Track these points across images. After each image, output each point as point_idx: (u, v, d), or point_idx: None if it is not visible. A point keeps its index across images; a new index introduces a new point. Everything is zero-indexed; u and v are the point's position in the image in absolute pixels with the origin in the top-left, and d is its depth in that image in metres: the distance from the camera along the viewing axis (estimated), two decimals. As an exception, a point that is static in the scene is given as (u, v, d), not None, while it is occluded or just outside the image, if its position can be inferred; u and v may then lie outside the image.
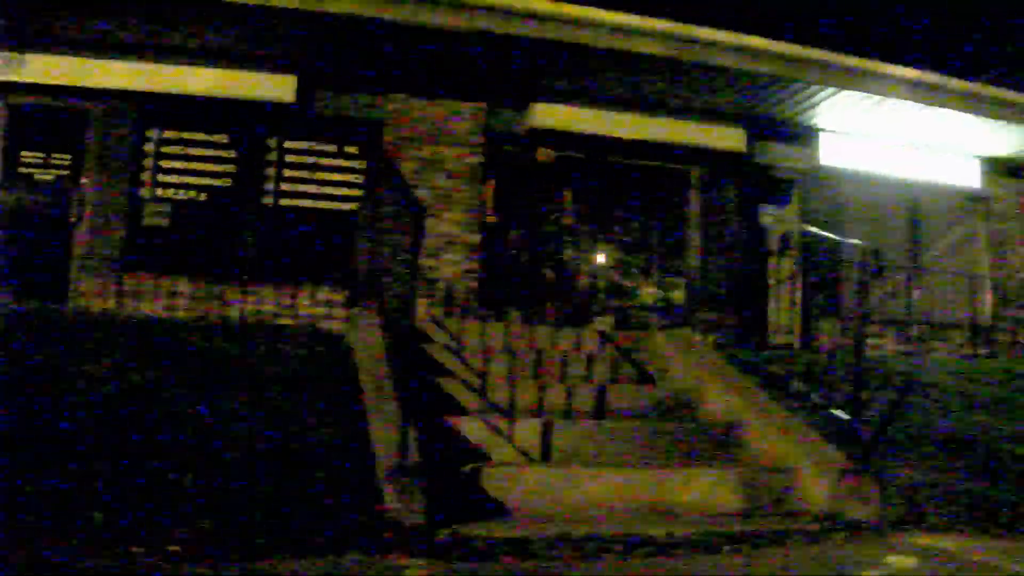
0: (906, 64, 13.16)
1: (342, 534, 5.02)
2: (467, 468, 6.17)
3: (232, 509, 5.10)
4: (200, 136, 11.71)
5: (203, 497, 5.21)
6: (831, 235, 7.02)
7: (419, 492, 5.39)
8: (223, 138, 11.77)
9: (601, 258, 13.06)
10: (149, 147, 11.58)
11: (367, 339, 8.02)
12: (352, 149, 12.04)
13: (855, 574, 4.99)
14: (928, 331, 14.83)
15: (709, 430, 7.40)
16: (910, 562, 5.28)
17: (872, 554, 5.45)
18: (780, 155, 14.09)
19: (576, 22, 11.13)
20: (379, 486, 5.57)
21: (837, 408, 6.93)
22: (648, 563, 5.09)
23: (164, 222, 11.49)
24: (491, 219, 12.43)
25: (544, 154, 9.41)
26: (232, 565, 4.53)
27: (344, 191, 11.90)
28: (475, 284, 11.96)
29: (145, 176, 11.53)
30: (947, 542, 5.82)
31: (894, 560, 5.31)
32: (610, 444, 7.02)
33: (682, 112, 13.14)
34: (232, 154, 11.77)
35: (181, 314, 10.88)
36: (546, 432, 6.86)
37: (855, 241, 7.32)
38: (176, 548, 4.61)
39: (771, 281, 14.02)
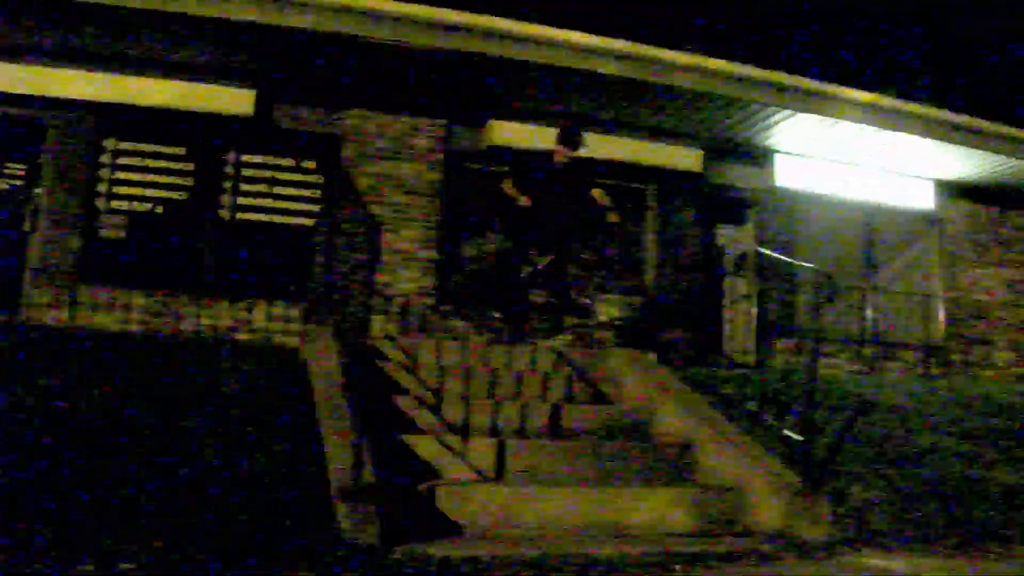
0: (863, 88, 13.32)
1: (295, 553, 4.99)
2: (422, 487, 6.16)
3: (184, 528, 5.07)
4: (158, 148, 11.66)
5: (155, 515, 5.17)
6: (785, 258, 7.08)
7: (372, 511, 5.38)
8: (181, 151, 11.72)
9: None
10: (106, 158, 11.51)
11: (322, 356, 8.00)
12: (310, 164, 12.02)
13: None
14: (882, 351, 14.97)
15: (663, 449, 7.43)
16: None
17: (822, 574, 5.49)
18: (737, 175, 14.22)
19: (536, 41, 11.19)
20: (332, 505, 5.55)
21: (790, 428, 6.99)
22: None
23: (120, 234, 11.43)
24: (449, 236, 12.44)
25: (562, 155, 9.83)
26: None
27: (302, 206, 11.88)
28: (432, 301, 11.97)
29: (101, 187, 11.46)
30: (897, 562, 5.87)
31: (843, 579, 5.36)
32: (564, 463, 7.03)
33: (640, 131, 13.23)
34: (190, 167, 11.72)
35: (135, 327, 10.83)
36: (500, 451, 6.86)
37: (809, 265, 7.40)
38: (128, 566, 4.58)
39: (727, 300, 14.12)
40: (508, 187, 10.27)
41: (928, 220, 15.88)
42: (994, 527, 6.98)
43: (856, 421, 7.74)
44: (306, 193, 11.93)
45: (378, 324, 11.37)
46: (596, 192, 10.39)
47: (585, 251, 13.10)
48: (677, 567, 5.50)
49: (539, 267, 10.60)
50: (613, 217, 10.28)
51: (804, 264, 6.28)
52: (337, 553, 5.09)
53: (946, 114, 13.89)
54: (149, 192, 11.56)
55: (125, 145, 11.59)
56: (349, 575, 4.85)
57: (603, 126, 12.95)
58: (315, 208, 11.83)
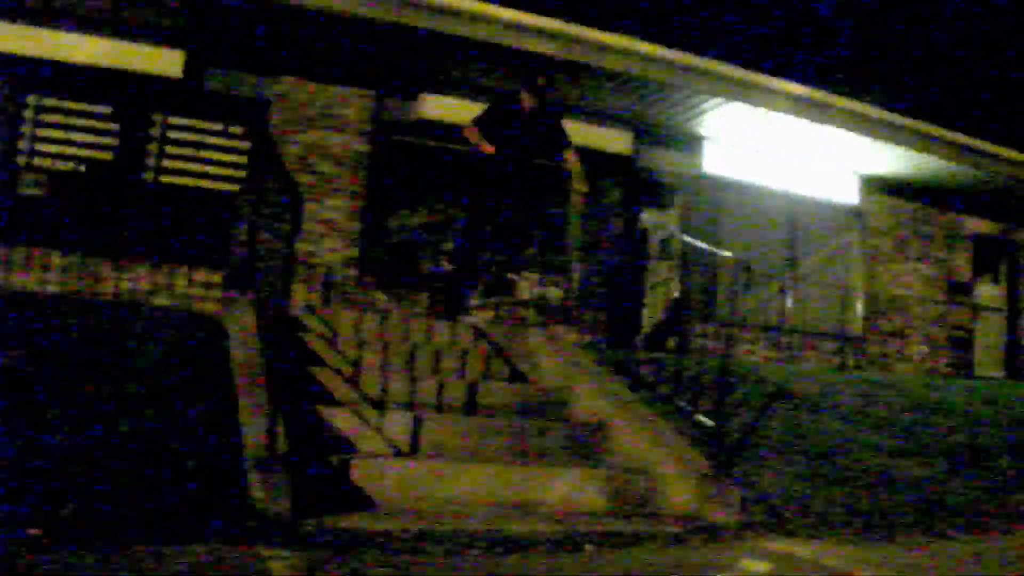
0: (794, 80, 13.46)
1: (207, 523, 4.96)
2: (335, 459, 6.15)
3: (95, 496, 5.02)
4: (82, 106, 11.47)
5: (65, 483, 5.11)
6: (706, 245, 7.18)
7: (285, 482, 5.36)
8: (106, 110, 11.54)
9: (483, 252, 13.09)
10: (27, 114, 11.30)
11: (241, 324, 7.95)
12: (237, 129, 11.92)
13: (710, 577, 5.11)
14: (800, 340, 15.20)
15: (578, 430, 7.48)
16: (764, 567, 5.41)
17: (729, 558, 5.57)
18: (665, 160, 14.32)
19: (469, 16, 11.16)
20: (246, 474, 5.53)
21: (704, 413, 7.07)
22: (511, 560, 5.13)
23: (40, 192, 11.23)
24: (375, 208, 12.38)
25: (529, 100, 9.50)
26: (93, 553, 4.46)
27: (228, 172, 11.77)
28: (355, 272, 11.93)
29: (22, 144, 11.25)
30: (803, 548, 5.96)
31: (749, 564, 5.44)
32: (480, 440, 7.06)
33: (571, 112, 13.24)
34: (115, 127, 11.56)
35: (53, 288, 10.67)
36: (416, 426, 6.87)
37: (727, 254, 7.48)
38: (36, 531, 4.53)
39: (649, 284, 14.24)
40: (470, 132, 9.51)
41: (851, 214, 16.13)
42: (898, 516, 7.13)
43: (768, 408, 7.86)
44: (232, 159, 11.83)
45: (300, 294, 11.30)
46: (568, 154, 9.68)
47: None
48: (587, 546, 5.55)
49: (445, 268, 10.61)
50: (581, 186, 9.59)
51: (723, 252, 6.36)
52: (248, 523, 5.07)
53: (875, 110, 14.11)
54: (72, 151, 11.38)
55: (48, 101, 11.39)
56: (260, 545, 4.84)
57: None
58: (241, 174, 11.73)
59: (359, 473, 6.10)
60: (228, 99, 11.85)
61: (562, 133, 9.74)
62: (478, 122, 9.54)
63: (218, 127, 11.84)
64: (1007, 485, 8.31)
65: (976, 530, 7.23)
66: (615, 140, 13.65)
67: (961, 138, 15.10)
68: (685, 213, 14.39)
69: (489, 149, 9.36)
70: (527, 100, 9.55)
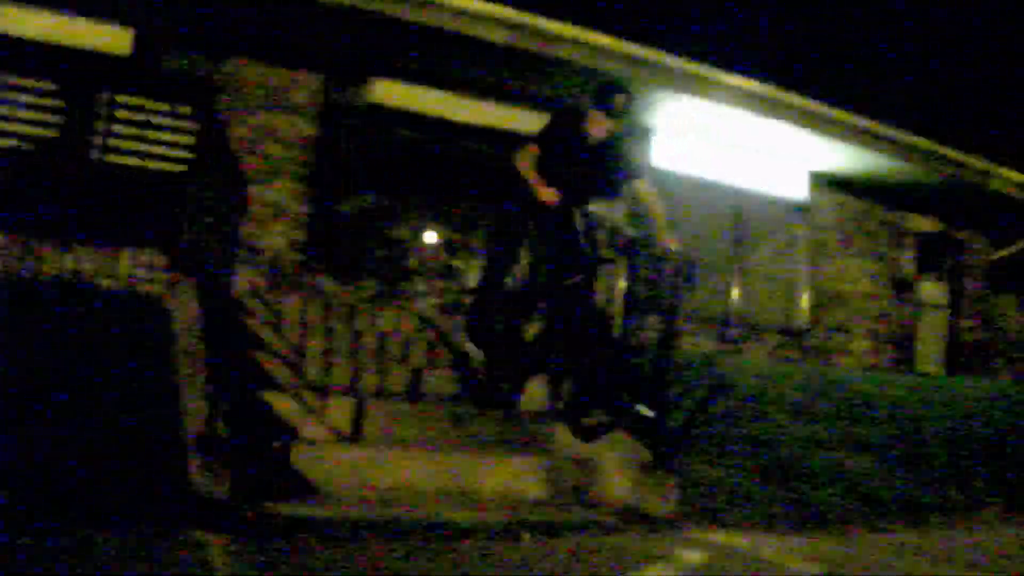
0: (747, 75, 13.53)
1: (145, 507, 4.94)
2: (277, 445, 6.14)
3: (32, 479, 4.99)
4: (27, 82, 11.30)
5: (2, 466, 5.07)
6: (651, 236, 7.20)
7: (225, 467, 5.35)
8: (52, 86, 11.39)
9: (432, 239, 13.08)
10: (-33, 88, 11.14)
11: (185, 307, 7.89)
12: (186, 110, 11.81)
13: (645, 566, 5.13)
14: (745, 332, 15.31)
15: (520, 418, 7.51)
16: (700, 557, 5.46)
17: (665, 548, 5.61)
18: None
19: (420, 2, 11.12)
20: (186, 458, 5.51)
21: (644, 404, 7.10)
22: (451, 547, 5.15)
23: (-22, 169, 11.07)
24: (323, 193, 12.33)
25: None
26: (27, 537, 4.43)
27: (175, 152, 11.67)
28: (301, 257, 11.87)
29: (-40, 119, 11.09)
30: (740, 539, 6.04)
31: (685, 554, 5.48)
32: (422, 427, 7.07)
33: (522, 100, 13.24)
34: (60, 103, 11.40)
35: (-9, 268, 10.54)
36: (358, 412, 6.87)
37: (672, 246, 7.52)
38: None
39: (597, 274, 14.26)
40: (524, 168, 7.48)
41: (800, 209, 16.26)
42: (836, 510, 7.22)
43: (709, 400, 7.91)
44: (180, 140, 11.72)
45: (246, 277, 11.23)
46: (642, 187, 7.88)
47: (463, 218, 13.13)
48: (527, 535, 5.58)
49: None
50: (664, 235, 7.78)
51: (666, 244, 6.40)
52: (187, 508, 5.05)
53: (822, 107, 14.24)
54: (14, 127, 11.22)
55: (-12, 76, 11.23)
56: (199, 530, 4.83)
57: (487, 93, 12.96)
58: (188, 156, 11.63)
59: (301, 459, 6.09)
60: (177, 79, 11.73)
61: (637, 162, 8.05)
62: (537, 141, 7.59)
63: (166, 107, 11.73)
64: (945, 480, 8.44)
65: (913, 524, 7.36)
66: (566, 130, 13.64)
67: (909, 137, 15.26)
68: (633, 204, 14.42)
69: (551, 199, 7.42)
70: (600, 124, 7.55)
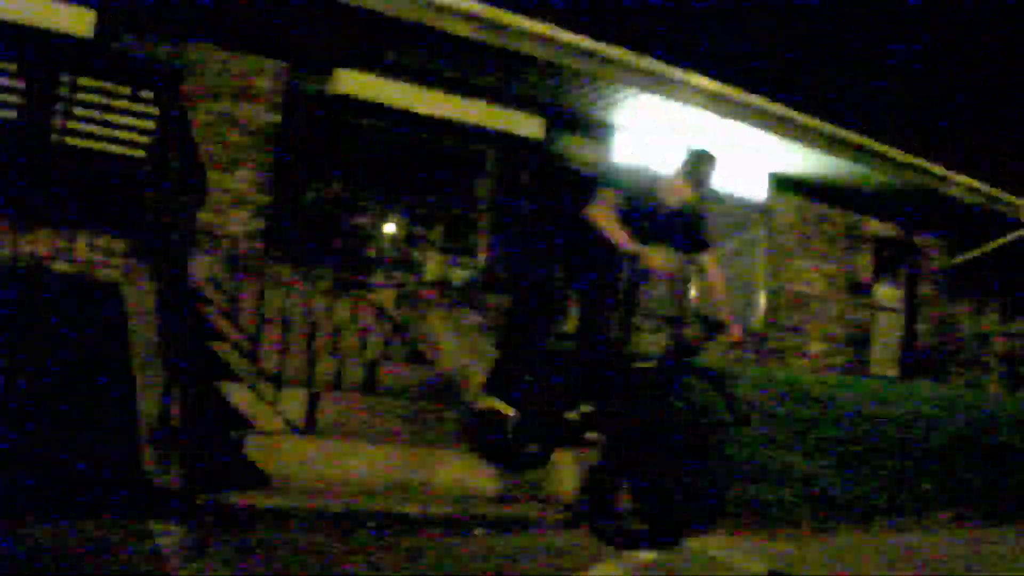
0: (708, 75, 13.59)
1: (98, 497, 4.93)
2: (232, 435, 6.14)
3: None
4: (-13, 62, 11.20)
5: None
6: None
7: (178, 456, 5.34)
8: (12, 67, 11.27)
9: (392, 230, 13.05)
10: (-76, 66, 11.01)
11: (142, 294, 7.86)
12: (148, 94, 11.72)
13: (595, 564, 5.17)
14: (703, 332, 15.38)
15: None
16: (650, 556, 5.52)
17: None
18: (577, 148, 14.35)
19: (385, -7, 11.08)
20: (140, 449, 5.50)
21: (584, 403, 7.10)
22: (404, 540, 5.18)
23: (-67, 150, 10.94)
24: (285, 181, 12.28)
25: None
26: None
27: (136, 137, 11.58)
28: (261, 245, 11.81)
29: (-85, 99, 10.96)
30: (691, 539, 6.11)
31: (638, 553, 5.54)
32: (377, 420, 7.09)
33: (485, 95, 13.23)
34: (20, 85, 11.29)
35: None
36: (313, 403, 6.88)
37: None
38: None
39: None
40: (604, 215, 6.75)
41: (759, 211, 16.34)
42: (787, 510, 7.31)
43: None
44: (141, 124, 11.62)
45: (205, 266, 11.16)
46: (708, 260, 7.32)
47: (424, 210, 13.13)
48: (477, 530, 5.62)
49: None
50: (725, 317, 7.41)
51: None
52: (140, 497, 5.05)
53: (785, 109, 14.31)
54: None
55: (-53, 56, 11.10)
56: (149, 520, 4.83)
57: (450, 86, 12.95)
58: (149, 140, 11.54)
59: (255, 449, 6.10)
60: (140, 63, 11.62)
61: (704, 231, 7.33)
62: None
63: (128, 91, 11.63)
64: (895, 483, 8.54)
65: (863, 525, 7.46)
66: (527, 124, 13.63)
67: (868, 142, 15.37)
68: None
69: (664, 266, 6.84)
70: (680, 191, 7.11)
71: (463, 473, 6.64)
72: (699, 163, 7.00)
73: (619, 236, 6.53)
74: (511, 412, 6.70)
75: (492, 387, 6.94)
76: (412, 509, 5.76)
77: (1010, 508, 8.70)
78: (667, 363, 6.88)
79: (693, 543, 5.98)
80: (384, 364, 8.07)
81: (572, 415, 6.65)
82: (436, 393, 7.96)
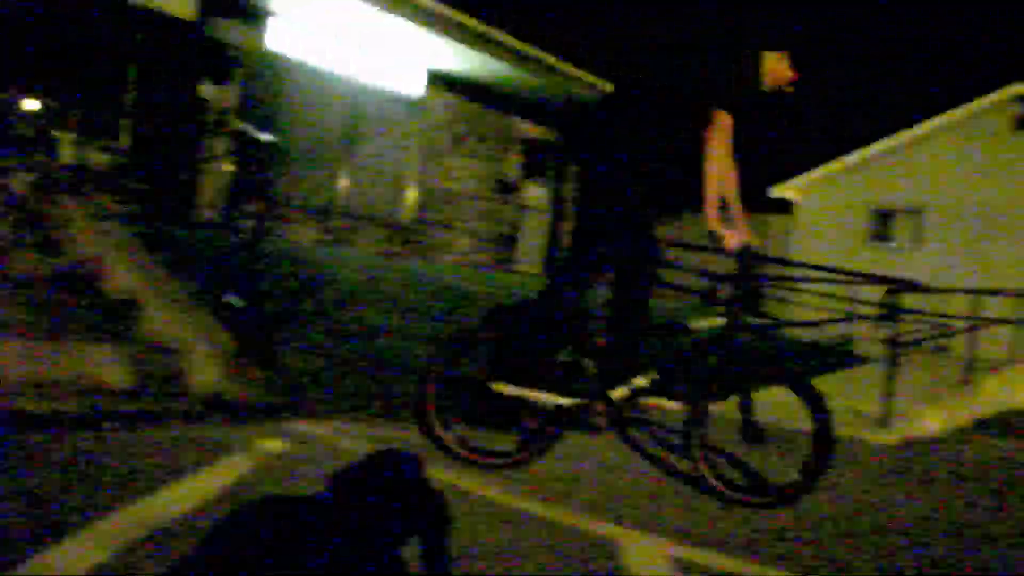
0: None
1: None
2: None
3: None
4: None
5: None
6: (248, 126, 7.08)
7: None
8: None
9: (33, 108, 12.36)
10: None
11: None
12: None
13: (224, 456, 5.19)
14: (353, 225, 15.47)
15: (108, 306, 7.35)
16: (280, 445, 5.58)
17: (248, 437, 5.70)
18: (229, 31, 13.99)
19: None
20: None
21: (235, 294, 7.11)
22: (23, 438, 5.02)
23: None
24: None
25: None
26: None
27: None
28: None
29: None
30: (321, 427, 6.22)
31: (266, 443, 5.58)
32: (5, 312, 6.79)
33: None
34: None
35: None
36: (-71, 293, 6.53)
37: (269, 136, 7.51)
38: None
39: (205, 159, 13.98)
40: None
41: (415, 107, 16.50)
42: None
43: (304, 290, 8.02)
44: None
45: None
46: None
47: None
48: (107, 425, 5.52)
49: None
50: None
51: (264, 135, 6.34)
52: None
53: (442, 7, 14.44)
54: None
55: None
56: None
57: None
58: None
59: None
60: None
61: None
62: None
63: None
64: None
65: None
66: (178, 1, 13.13)
67: (527, 48, 15.77)
68: (247, 89, 14.16)
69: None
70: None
71: (94, 367, 6.47)
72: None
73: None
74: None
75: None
76: (35, 405, 5.58)
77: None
78: None
79: (323, 432, 6.10)
80: (14, 254, 7.70)
81: None
82: (68, 284, 7.68)
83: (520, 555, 3.91)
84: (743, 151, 5.51)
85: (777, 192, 29.33)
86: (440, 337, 8.47)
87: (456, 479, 5.04)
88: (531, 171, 18.81)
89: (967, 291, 12.50)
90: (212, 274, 8.13)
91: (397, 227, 16.16)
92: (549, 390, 5.28)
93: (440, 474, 5.05)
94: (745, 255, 5.32)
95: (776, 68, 5.51)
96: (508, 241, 18.12)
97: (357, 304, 9.45)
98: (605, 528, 4.51)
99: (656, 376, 5.24)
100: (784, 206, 29.50)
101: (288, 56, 14.46)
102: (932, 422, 10.08)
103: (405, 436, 6.18)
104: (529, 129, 18.33)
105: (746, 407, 5.22)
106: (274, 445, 5.57)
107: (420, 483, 2.71)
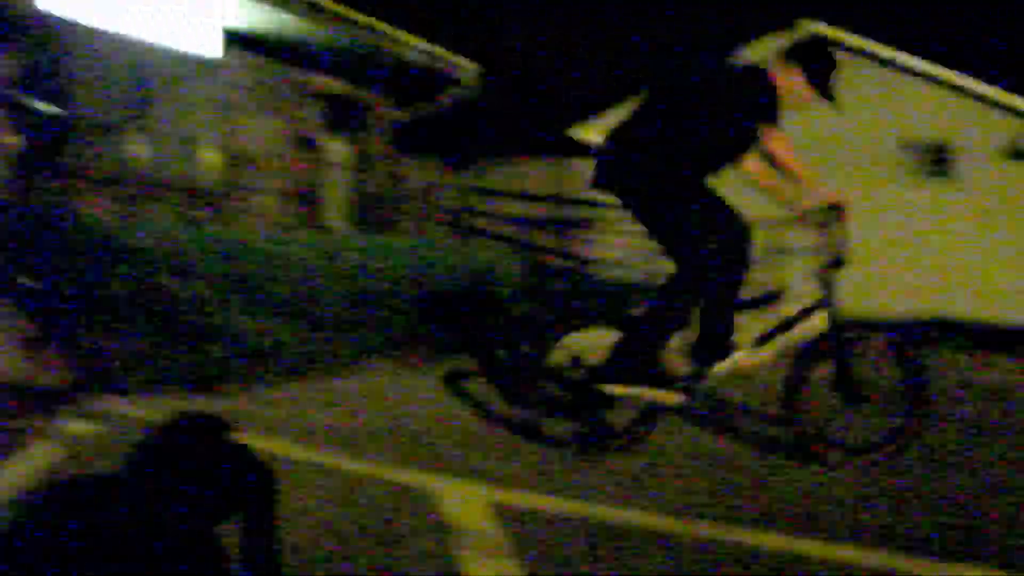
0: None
1: None
2: None
3: None
4: None
5: None
6: (23, 96, 6.77)
7: None
8: None
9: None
10: None
11: None
12: None
13: (32, 445, 5.05)
14: (152, 193, 15.04)
15: None
16: (90, 428, 5.47)
17: (54, 423, 5.56)
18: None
19: None
20: None
21: (26, 275, 6.88)
22: None
23: None
24: None
25: None
26: None
27: None
28: None
29: None
30: (133, 406, 6.11)
31: (74, 427, 5.47)
32: None
33: None
34: None
35: None
36: None
37: (47, 106, 7.18)
38: None
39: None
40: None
41: (211, 67, 16.10)
42: (232, 369, 7.47)
43: (110, 266, 7.80)
44: None
45: None
46: None
47: None
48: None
49: None
50: None
51: (38, 104, 6.09)
52: None
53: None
54: None
55: None
56: None
57: None
58: None
59: None
60: None
61: None
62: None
63: None
64: (336, 334, 8.95)
65: (301, 376, 7.80)
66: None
67: (323, 2, 15.58)
68: (21, 57, 13.47)
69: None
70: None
71: None
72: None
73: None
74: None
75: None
76: None
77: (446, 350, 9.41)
78: None
79: (132, 410, 6.01)
80: None
81: None
82: None
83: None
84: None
85: (580, 134, 28.70)
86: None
87: (275, 446, 5.03)
88: (334, 127, 18.61)
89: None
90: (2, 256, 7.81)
91: (198, 191, 15.76)
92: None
93: (261, 441, 5.03)
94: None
95: None
96: (312, 199, 17.90)
97: (164, 276, 9.20)
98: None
99: None
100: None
101: (64, 17, 13.75)
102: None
103: (223, 407, 6.14)
104: (330, 85, 18.12)
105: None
106: (85, 428, 5.46)
107: (236, 451, 2.65)
